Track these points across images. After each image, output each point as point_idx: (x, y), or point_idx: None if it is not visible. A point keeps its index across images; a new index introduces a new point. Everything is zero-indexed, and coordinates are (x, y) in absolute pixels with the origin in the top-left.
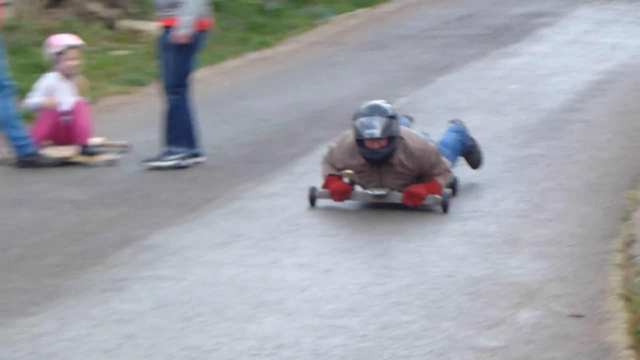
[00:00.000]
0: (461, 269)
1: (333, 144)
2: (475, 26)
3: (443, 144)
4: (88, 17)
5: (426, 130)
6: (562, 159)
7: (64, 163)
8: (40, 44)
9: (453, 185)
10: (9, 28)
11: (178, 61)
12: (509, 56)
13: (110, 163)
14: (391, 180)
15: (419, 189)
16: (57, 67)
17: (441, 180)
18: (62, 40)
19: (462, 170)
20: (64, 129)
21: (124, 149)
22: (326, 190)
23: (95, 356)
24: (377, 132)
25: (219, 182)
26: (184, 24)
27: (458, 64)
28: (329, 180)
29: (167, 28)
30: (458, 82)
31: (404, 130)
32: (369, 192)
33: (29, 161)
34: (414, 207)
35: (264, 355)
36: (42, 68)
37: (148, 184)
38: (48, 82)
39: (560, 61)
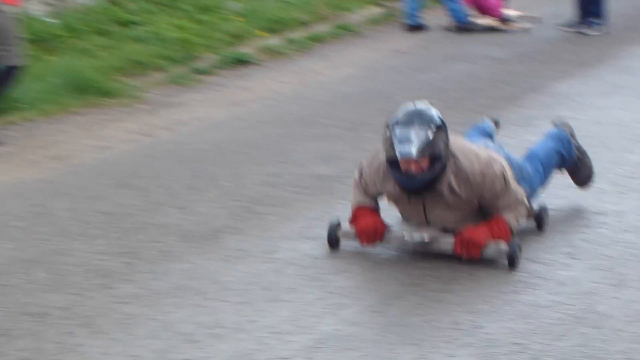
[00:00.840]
0: None
1: (364, 162)
2: None
3: (531, 156)
4: None
5: None
6: None
7: (489, 29)
8: None
9: (540, 218)
10: None
11: None
12: None
13: (524, 30)
14: (439, 213)
15: (477, 234)
16: None
17: (511, 218)
18: None
19: None
20: (484, 4)
21: (535, 20)
22: (351, 230)
23: None
24: (413, 149)
25: (607, 45)
26: None
27: None
28: (357, 213)
29: None
30: None
31: (458, 144)
32: (406, 236)
33: (463, 27)
34: (468, 259)
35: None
36: None
37: (552, 46)
38: None
39: None
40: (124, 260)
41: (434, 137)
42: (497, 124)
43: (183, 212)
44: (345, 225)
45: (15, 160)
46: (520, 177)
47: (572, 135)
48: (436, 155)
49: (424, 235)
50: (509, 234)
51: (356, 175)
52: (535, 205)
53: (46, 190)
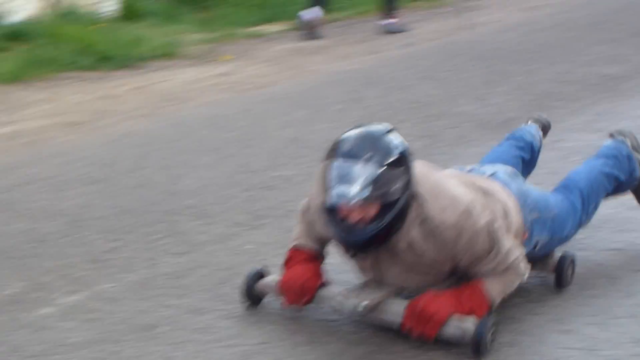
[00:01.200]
0: None
1: (312, 190)
2: None
3: (567, 185)
4: None
5: None
6: None
7: None
8: None
9: (560, 269)
10: None
11: None
12: None
13: None
14: (397, 275)
15: (437, 304)
16: None
17: (493, 287)
18: None
19: None
20: None
21: None
22: (274, 283)
23: None
24: (352, 191)
25: None
26: None
27: None
28: (290, 257)
29: None
30: None
31: (431, 182)
32: (339, 300)
33: None
34: (420, 337)
35: None
36: None
37: None
38: None
39: None
40: (424, 142)
41: (387, 175)
42: (545, 128)
43: (479, 102)
44: (273, 274)
45: (334, 52)
46: (539, 223)
47: (636, 148)
48: (388, 201)
49: (362, 301)
50: (484, 309)
51: (303, 205)
52: (557, 254)
53: (360, 79)
